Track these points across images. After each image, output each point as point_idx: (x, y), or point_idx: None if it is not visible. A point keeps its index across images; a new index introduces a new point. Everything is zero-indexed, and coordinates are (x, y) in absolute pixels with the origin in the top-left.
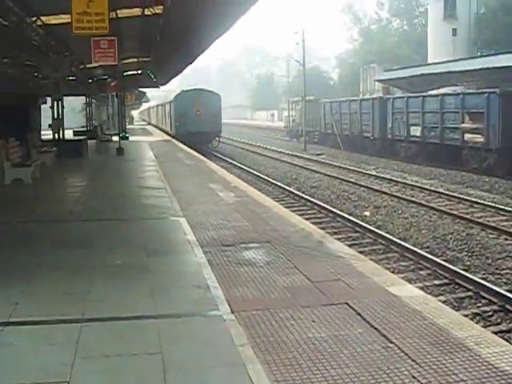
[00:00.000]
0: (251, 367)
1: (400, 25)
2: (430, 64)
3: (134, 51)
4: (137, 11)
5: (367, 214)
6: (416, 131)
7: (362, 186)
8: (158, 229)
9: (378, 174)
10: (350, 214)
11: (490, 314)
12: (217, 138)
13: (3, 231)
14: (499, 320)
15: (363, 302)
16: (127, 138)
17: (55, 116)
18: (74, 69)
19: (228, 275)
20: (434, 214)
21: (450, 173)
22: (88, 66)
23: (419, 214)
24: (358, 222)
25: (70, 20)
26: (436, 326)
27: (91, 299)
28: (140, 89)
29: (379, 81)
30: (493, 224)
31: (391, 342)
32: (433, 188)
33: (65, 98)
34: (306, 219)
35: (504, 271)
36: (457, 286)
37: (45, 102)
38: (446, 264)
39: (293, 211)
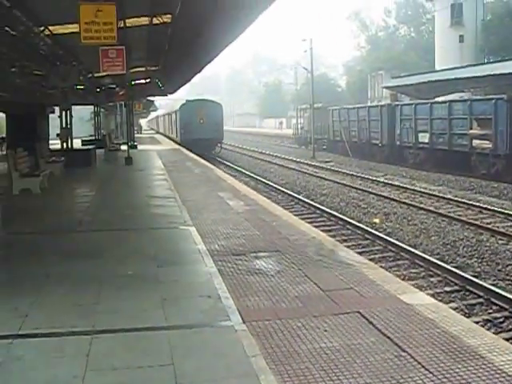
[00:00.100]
0: (264, 378)
1: (407, 32)
2: (437, 71)
3: (142, 60)
4: (145, 20)
5: (377, 221)
6: (424, 138)
7: (371, 193)
8: (168, 238)
9: (386, 181)
10: (359, 222)
11: (501, 320)
12: (219, 145)
13: (12, 242)
14: (511, 326)
15: (375, 310)
16: (136, 146)
17: (63, 125)
18: (81, 78)
19: (239, 285)
20: (444, 221)
21: (459, 179)
22: (96, 75)
23: (428, 221)
24: (367, 229)
25: (78, 29)
26: (448, 334)
27: (101, 310)
28: (148, 97)
29: (387, 88)
30: (502, 230)
31: (404, 351)
32: (441, 194)
33: (73, 107)
34: (316, 227)
35: None
36: (467, 293)
37: (53, 112)
38: (456, 270)
39: (302, 219)
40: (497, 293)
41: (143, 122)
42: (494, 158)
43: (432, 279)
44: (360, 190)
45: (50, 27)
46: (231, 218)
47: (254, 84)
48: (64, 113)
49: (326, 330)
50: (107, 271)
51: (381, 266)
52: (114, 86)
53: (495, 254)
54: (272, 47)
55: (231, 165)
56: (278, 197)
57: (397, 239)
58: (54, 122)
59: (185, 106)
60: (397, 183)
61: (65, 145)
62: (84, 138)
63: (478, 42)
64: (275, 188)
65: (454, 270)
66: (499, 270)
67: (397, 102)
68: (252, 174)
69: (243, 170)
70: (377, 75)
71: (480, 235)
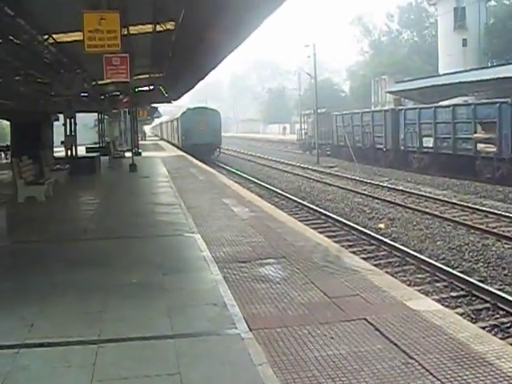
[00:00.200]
0: None
1: (410, 36)
2: (441, 75)
3: (146, 67)
4: (148, 27)
5: (382, 226)
6: (428, 142)
7: (375, 198)
8: (173, 246)
9: (391, 186)
10: (364, 227)
11: (508, 325)
12: (217, 149)
13: (17, 251)
14: None
15: (382, 317)
16: (140, 153)
17: (68, 133)
18: (86, 85)
19: (245, 292)
20: (449, 225)
21: (464, 183)
22: (100, 82)
23: (434, 226)
24: (372, 234)
25: (81, 37)
26: (456, 341)
27: (107, 319)
28: (152, 104)
29: (390, 92)
30: (508, 234)
31: (411, 358)
32: (446, 199)
33: (77, 114)
34: (321, 233)
35: None
36: (474, 298)
37: (57, 119)
38: (462, 275)
39: (307, 225)
40: (503, 298)
41: (147, 128)
42: (498, 162)
43: (438, 284)
44: (365, 195)
45: (54, 35)
46: (236, 225)
47: (257, 90)
48: (68, 120)
49: (332, 338)
50: (113, 279)
51: (386, 272)
52: (118, 93)
53: (501, 258)
54: (275, 53)
55: (235, 171)
56: (282, 203)
57: (402, 244)
58: (59, 129)
59: (185, 114)
60: (401, 188)
61: (69, 152)
62: (88, 146)
63: (481, 45)
64: (280, 194)
65: (460, 275)
66: (505, 275)
67: (400, 107)
68: (256, 180)
69: (248, 176)
70: (380, 80)
71: (486, 239)
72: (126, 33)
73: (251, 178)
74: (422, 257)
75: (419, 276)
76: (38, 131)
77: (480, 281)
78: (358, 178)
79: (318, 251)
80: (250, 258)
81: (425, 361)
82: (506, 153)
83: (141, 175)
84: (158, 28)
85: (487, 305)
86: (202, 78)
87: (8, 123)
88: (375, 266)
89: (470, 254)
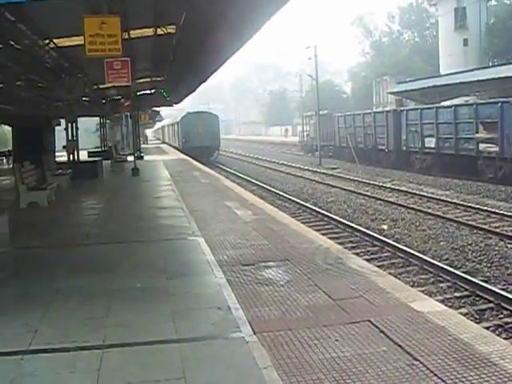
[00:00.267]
0: None
1: (411, 37)
2: (442, 75)
3: (148, 71)
4: (149, 31)
5: (385, 227)
6: (430, 142)
7: (378, 199)
8: (177, 250)
9: (393, 187)
10: (367, 228)
11: None
12: (216, 152)
13: (20, 256)
14: None
15: (386, 318)
16: (142, 157)
17: (69, 137)
18: (87, 90)
19: (248, 295)
20: (452, 226)
21: (466, 183)
22: (101, 86)
23: (437, 226)
24: (376, 235)
25: (82, 42)
26: (460, 342)
27: (112, 324)
28: (154, 108)
29: (392, 93)
30: (511, 234)
31: (416, 360)
32: (449, 199)
33: (79, 118)
34: (324, 234)
35: None
36: (477, 298)
37: (59, 124)
38: (465, 276)
39: (310, 227)
40: (507, 297)
41: (149, 132)
42: (500, 162)
43: (442, 285)
44: (367, 196)
45: (55, 40)
46: (239, 228)
47: (258, 92)
48: (70, 125)
49: (337, 340)
50: (116, 284)
51: (390, 273)
52: (120, 97)
53: (504, 258)
54: (276, 55)
55: (238, 174)
56: (285, 205)
57: (405, 245)
58: (60, 134)
59: (185, 118)
60: (404, 189)
61: (71, 157)
62: (90, 150)
63: (482, 45)
64: (282, 196)
65: (463, 275)
66: (509, 274)
67: (402, 108)
68: (259, 183)
69: (250, 179)
70: (382, 81)
71: (489, 239)
72: (126, 37)
73: (254, 181)
74: (426, 257)
75: (423, 277)
76: (40, 136)
77: (483, 281)
78: (360, 179)
79: (321, 253)
80: (254, 261)
81: (429, 362)
82: (508, 152)
83: (143, 179)
84: (159, 32)
85: (491, 305)
86: (204, 81)
87: (10, 128)
88: (378, 267)
89: (474, 254)
